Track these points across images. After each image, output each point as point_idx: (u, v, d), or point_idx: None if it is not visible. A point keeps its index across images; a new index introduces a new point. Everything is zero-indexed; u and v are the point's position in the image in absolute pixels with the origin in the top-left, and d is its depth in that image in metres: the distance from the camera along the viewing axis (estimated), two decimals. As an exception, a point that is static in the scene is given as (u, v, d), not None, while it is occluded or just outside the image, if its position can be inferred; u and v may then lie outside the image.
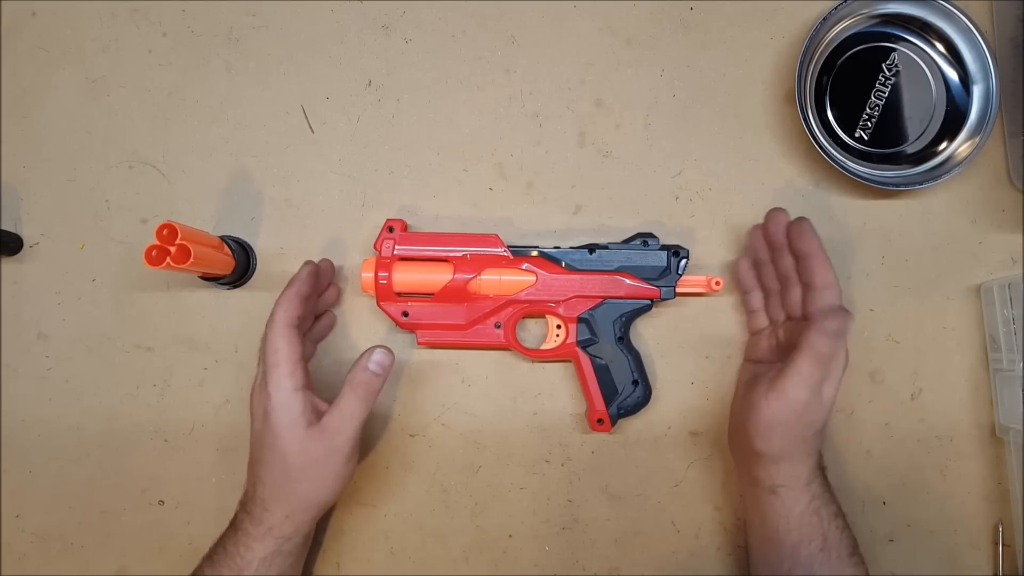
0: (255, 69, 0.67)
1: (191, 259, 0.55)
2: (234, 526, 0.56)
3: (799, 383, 0.53)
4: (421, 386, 0.65)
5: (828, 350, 0.53)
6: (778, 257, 0.60)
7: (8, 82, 0.67)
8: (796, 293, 0.58)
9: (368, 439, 0.65)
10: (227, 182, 0.67)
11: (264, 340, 0.56)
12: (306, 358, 0.58)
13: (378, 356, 0.56)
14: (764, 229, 0.61)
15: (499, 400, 0.65)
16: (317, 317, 0.64)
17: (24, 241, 0.66)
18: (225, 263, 0.62)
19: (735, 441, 0.60)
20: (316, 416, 0.54)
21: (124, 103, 0.67)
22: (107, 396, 0.65)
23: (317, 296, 0.63)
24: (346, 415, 0.54)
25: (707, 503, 0.65)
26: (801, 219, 0.58)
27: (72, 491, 0.65)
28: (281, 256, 0.66)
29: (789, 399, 0.53)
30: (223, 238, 0.64)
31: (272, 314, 0.56)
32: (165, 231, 0.56)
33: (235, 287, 0.66)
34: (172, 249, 0.56)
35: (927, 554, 0.64)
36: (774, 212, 0.60)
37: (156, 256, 0.56)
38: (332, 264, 0.65)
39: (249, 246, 0.66)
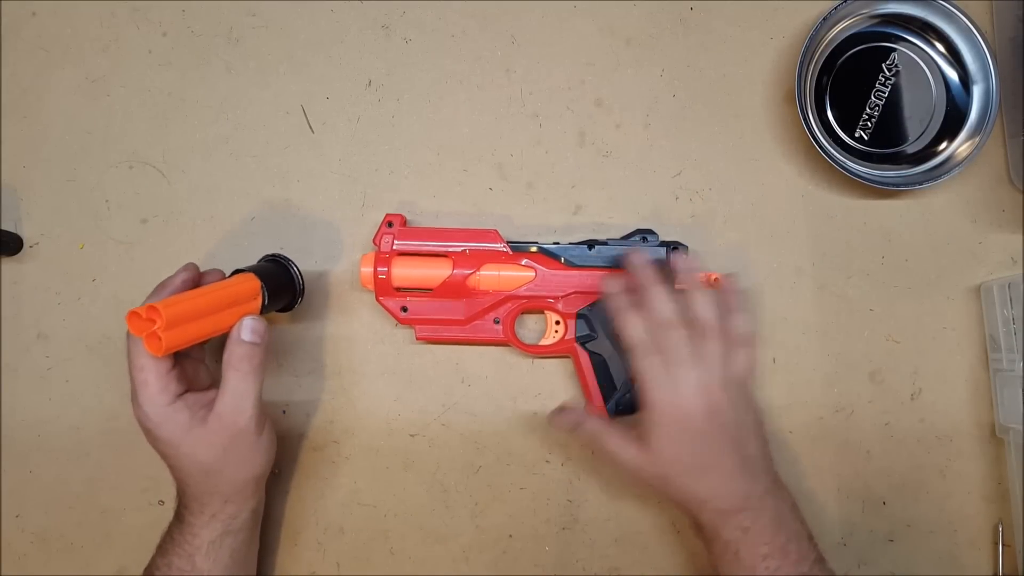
0: (255, 69, 0.67)
1: (162, 348, 0.50)
2: (178, 517, 0.56)
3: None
4: (421, 386, 0.65)
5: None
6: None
7: (8, 82, 0.67)
8: None
9: (368, 439, 0.65)
10: (227, 182, 0.66)
11: (127, 352, 0.53)
12: (193, 356, 0.56)
13: (250, 324, 0.54)
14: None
15: (499, 400, 0.65)
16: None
17: (24, 241, 0.66)
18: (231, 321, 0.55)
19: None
20: (207, 409, 0.53)
21: (124, 103, 0.67)
22: (107, 396, 0.65)
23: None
24: (237, 395, 0.53)
25: (707, 503, 0.65)
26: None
27: (72, 491, 0.65)
28: (281, 256, 0.66)
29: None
30: (261, 264, 0.60)
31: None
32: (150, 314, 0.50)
33: (282, 312, 0.63)
34: (155, 328, 0.50)
35: (927, 554, 0.64)
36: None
37: (136, 325, 0.51)
38: (222, 273, 0.59)
39: (296, 269, 0.62)
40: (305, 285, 0.62)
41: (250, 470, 0.55)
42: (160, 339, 0.50)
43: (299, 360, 0.65)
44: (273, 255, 0.62)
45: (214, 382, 0.57)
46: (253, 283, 0.57)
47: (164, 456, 0.55)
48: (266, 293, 0.57)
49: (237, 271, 0.58)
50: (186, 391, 0.54)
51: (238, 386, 0.53)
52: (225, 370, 0.53)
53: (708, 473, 0.53)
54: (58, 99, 0.67)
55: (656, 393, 0.53)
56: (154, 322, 0.50)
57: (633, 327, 0.55)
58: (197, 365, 0.57)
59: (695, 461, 0.53)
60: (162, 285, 0.55)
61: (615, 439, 0.56)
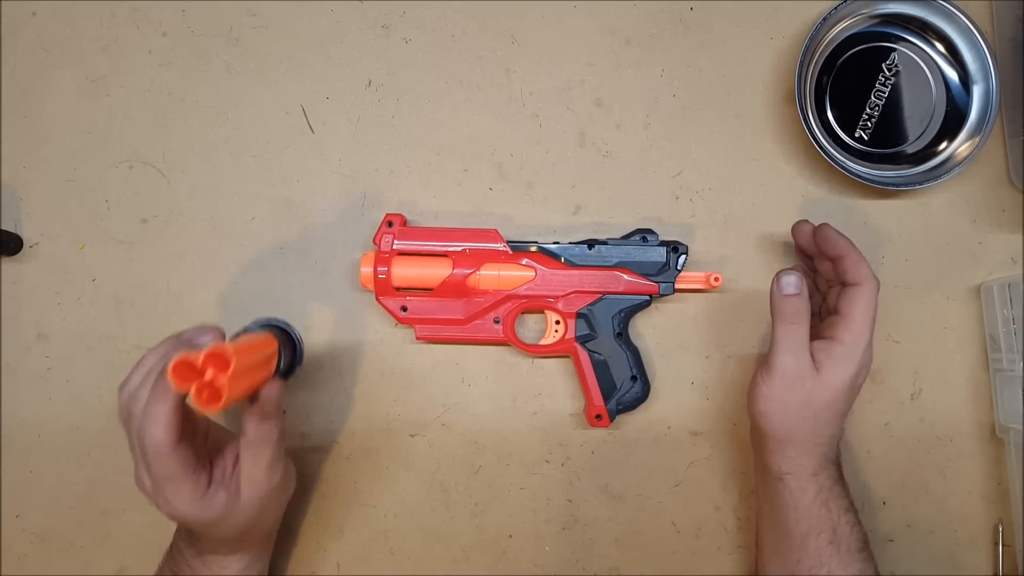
0: (255, 69, 0.67)
1: (220, 403, 0.43)
2: (197, 551, 0.55)
3: (777, 350, 0.54)
4: (421, 386, 0.65)
5: (786, 307, 0.54)
6: (817, 264, 0.61)
7: (8, 82, 0.67)
8: (835, 292, 0.58)
9: (368, 439, 0.65)
10: (227, 182, 0.66)
11: (147, 449, 0.48)
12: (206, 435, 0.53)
13: (276, 399, 0.50)
14: (795, 244, 0.62)
15: (499, 400, 0.65)
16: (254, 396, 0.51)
17: (24, 241, 0.66)
18: (257, 385, 0.50)
19: (752, 431, 0.60)
20: (235, 475, 0.52)
21: (124, 103, 0.67)
22: (107, 396, 0.65)
23: None
24: (268, 465, 0.51)
25: (707, 503, 0.65)
26: (822, 226, 0.58)
27: (72, 491, 0.65)
28: (281, 256, 0.66)
29: (776, 369, 0.54)
30: (270, 328, 0.54)
31: (149, 431, 0.47)
32: (211, 359, 0.43)
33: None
34: (206, 378, 0.44)
35: (927, 554, 0.64)
36: (797, 226, 0.61)
37: (182, 375, 0.44)
38: (221, 332, 0.52)
39: (299, 338, 0.56)
40: (304, 352, 0.56)
41: (283, 505, 0.57)
42: (223, 391, 0.43)
43: (299, 360, 0.65)
44: (268, 321, 0.56)
45: (214, 432, 0.55)
46: (272, 344, 0.52)
47: (196, 532, 0.53)
48: (282, 357, 0.53)
49: (245, 330, 0.54)
50: (211, 479, 0.51)
51: (267, 458, 0.51)
52: (254, 445, 0.51)
53: (839, 421, 0.56)
54: (58, 99, 0.67)
55: (863, 334, 0.54)
56: (203, 372, 0.44)
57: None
58: (197, 423, 0.53)
59: (842, 408, 0.56)
60: (192, 347, 0.50)
61: (804, 339, 0.54)
